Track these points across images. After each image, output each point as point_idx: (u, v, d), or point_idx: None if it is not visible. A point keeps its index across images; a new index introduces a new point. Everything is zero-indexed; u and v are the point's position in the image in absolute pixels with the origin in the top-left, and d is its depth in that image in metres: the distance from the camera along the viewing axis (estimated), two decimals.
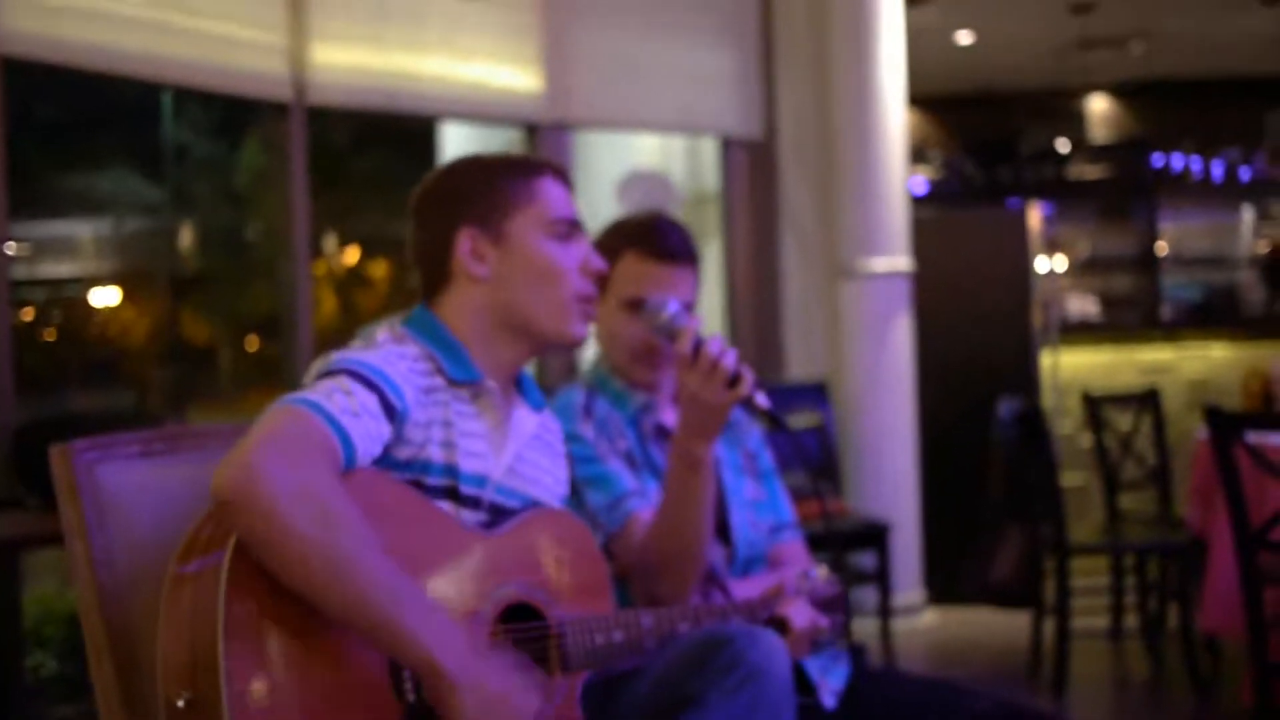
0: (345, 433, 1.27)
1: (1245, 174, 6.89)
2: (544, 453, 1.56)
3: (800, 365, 4.73)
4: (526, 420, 1.53)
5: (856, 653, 1.88)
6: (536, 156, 1.64)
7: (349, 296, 6.44)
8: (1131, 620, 4.25)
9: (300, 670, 1.22)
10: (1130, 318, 6.79)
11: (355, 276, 6.56)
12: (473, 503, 1.44)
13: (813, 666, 1.80)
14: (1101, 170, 6.92)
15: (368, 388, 1.33)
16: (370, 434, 1.31)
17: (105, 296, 5.43)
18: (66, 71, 3.20)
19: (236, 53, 3.51)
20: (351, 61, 3.79)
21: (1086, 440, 4.89)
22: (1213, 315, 6.77)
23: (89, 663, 1.39)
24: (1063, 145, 7.00)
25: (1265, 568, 2.63)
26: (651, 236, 1.85)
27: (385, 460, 1.37)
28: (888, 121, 4.58)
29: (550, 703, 1.40)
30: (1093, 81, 6.95)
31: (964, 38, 6.31)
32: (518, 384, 1.55)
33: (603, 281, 1.56)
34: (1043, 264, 5.41)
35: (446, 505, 1.41)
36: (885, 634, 3.99)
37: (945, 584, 4.71)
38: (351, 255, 6.49)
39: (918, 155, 6.66)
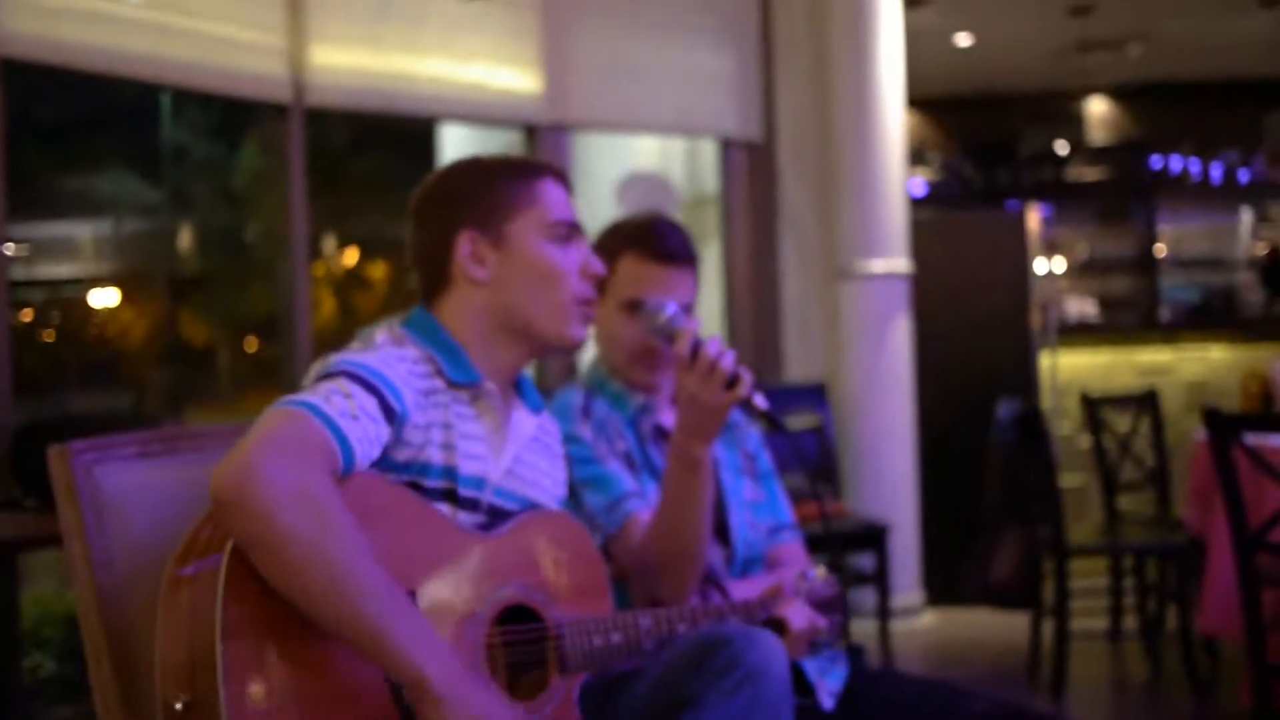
0: (343, 435, 1.27)
1: (1244, 176, 6.89)
2: (542, 455, 1.56)
3: (799, 366, 4.74)
4: (525, 422, 1.53)
5: (855, 654, 1.88)
6: (536, 159, 1.64)
7: (348, 298, 6.44)
8: (1130, 621, 4.26)
9: (298, 673, 1.22)
10: (1129, 319, 6.79)
11: (354, 278, 6.56)
12: (471, 505, 1.44)
13: (811, 667, 1.80)
14: (1100, 172, 6.92)
15: (367, 390, 1.33)
16: (369, 437, 1.31)
17: (104, 297, 5.43)
18: (66, 73, 3.20)
19: (235, 54, 3.52)
20: (350, 63, 3.79)
21: (1085, 441, 4.89)
22: (1211, 317, 6.77)
23: (87, 664, 1.39)
24: (1061, 147, 7.00)
25: (1264, 569, 2.63)
26: (650, 238, 1.86)
27: (383, 462, 1.36)
28: (887, 123, 4.58)
29: (541, 706, 1.40)
30: (1091, 83, 6.95)
31: (963, 39, 6.32)
32: (517, 386, 1.55)
33: (602, 283, 1.56)
34: (1041, 265, 5.41)
35: (444, 507, 1.41)
36: (884, 635, 3.99)
37: (944, 585, 4.72)
38: (350, 256, 6.49)
39: (916, 157, 6.66)
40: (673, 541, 1.69)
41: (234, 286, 5.54)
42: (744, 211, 4.78)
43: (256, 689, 1.19)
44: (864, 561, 4.25)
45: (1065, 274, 6.83)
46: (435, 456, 1.41)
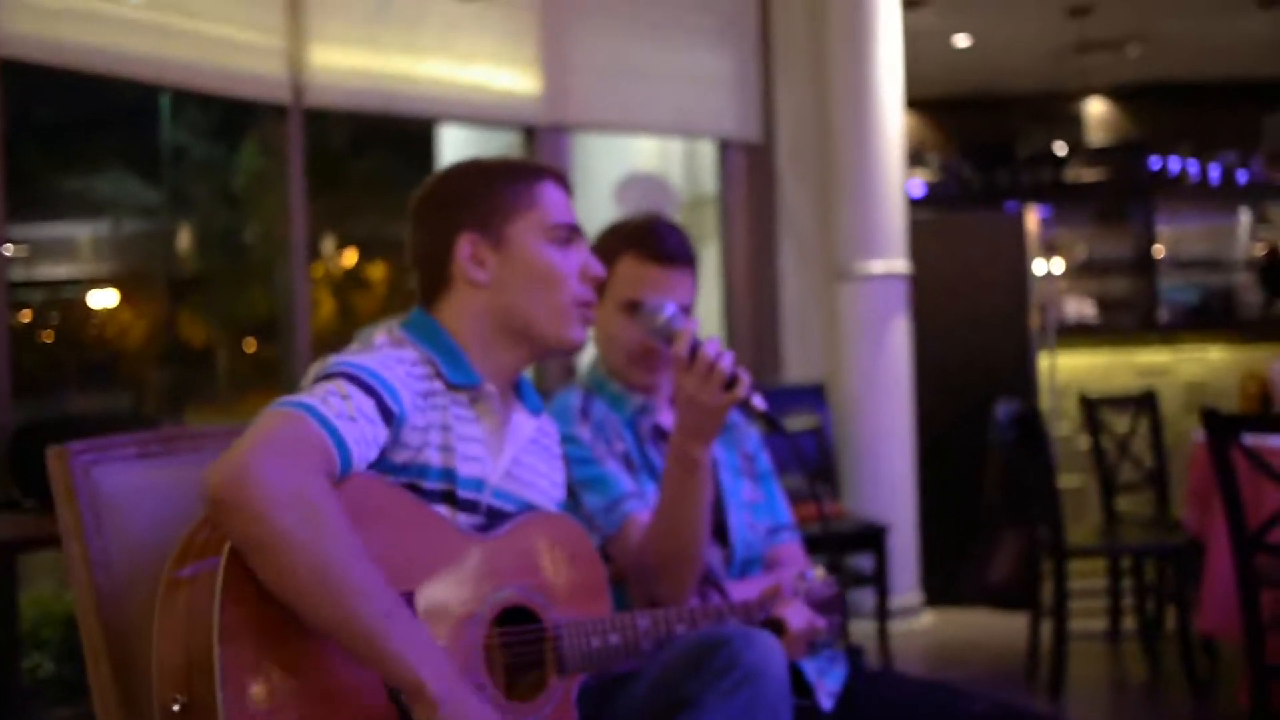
0: (340, 437, 1.27)
1: (1242, 177, 6.89)
2: (541, 457, 1.56)
3: (798, 367, 4.74)
4: (524, 424, 1.53)
5: (854, 654, 1.88)
6: (537, 161, 1.64)
7: (347, 298, 6.44)
8: (1129, 622, 4.26)
9: (295, 675, 1.22)
10: (1127, 320, 6.79)
11: (353, 278, 6.56)
12: (469, 506, 1.44)
13: (810, 668, 1.80)
14: (1099, 173, 6.93)
15: (364, 391, 1.33)
16: (366, 438, 1.31)
17: (103, 298, 5.43)
18: (65, 73, 3.20)
19: (235, 55, 3.52)
20: (350, 64, 3.79)
21: (1084, 442, 4.90)
22: (1210, 318, 6.78)
23: (86, 664, 1.39)
24: (1060, 148, 7.00)
25: (1262, 570, 2.63)
26: (649, 239, 1.86)
27: (382, 464, 1.36)
28: (885, 124, 4.58)
29: (540, 708, 1.40)
30: (1090, 84, 6.96)
31: (961, 40, 6.32)
32: (516, 388, 1.55)
33: (600, 284, 1.56)
34: (1040, 266, 5.41)
35: (443, 509, 1.41)
36: (882, 636, 3.99)
37: (943, 586, 4.72)
38: (349, 257, 6.49)
39: (915, 158, 6.66)
40: (671, 542, 1.69)
41: (233, 287, 5.54)
42: (743, 212, 4.78)
43: (253, 691, 1.19)
44: (863, 562, 4.25)
45: (1064, 275, 6.83)
46: (434, 458, 1.41)
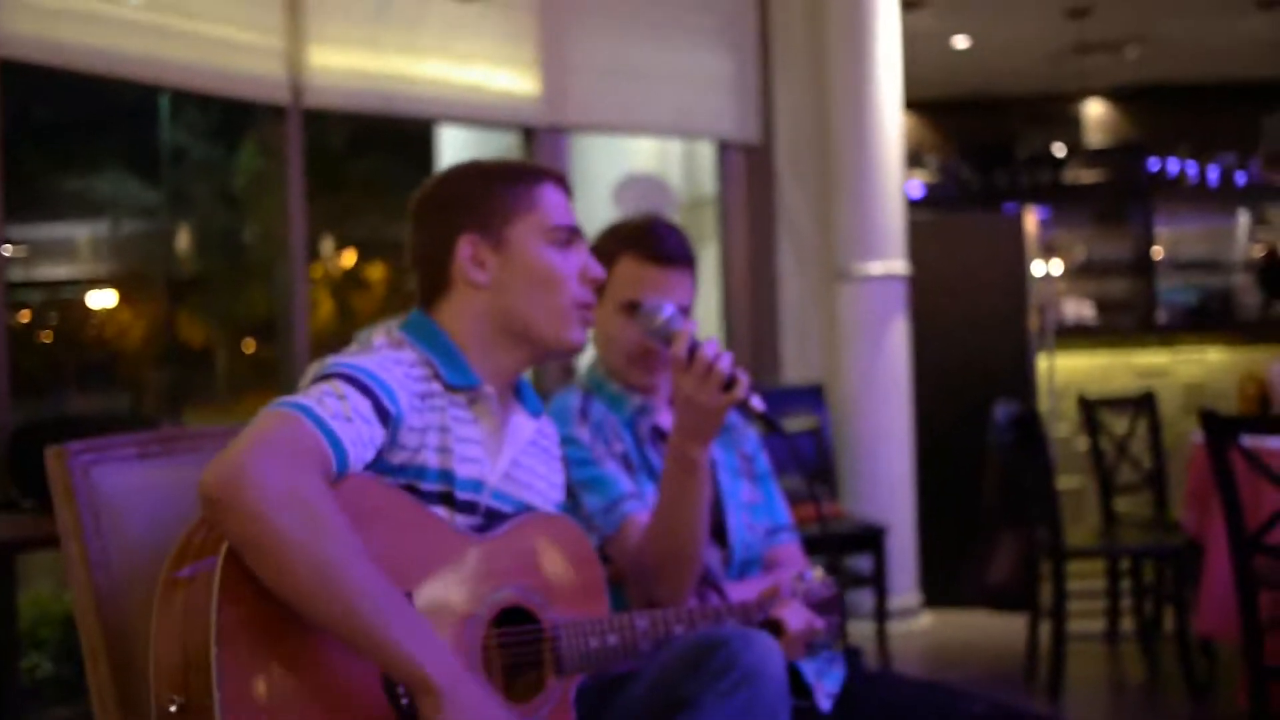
0: (336, 437, 1.27)
1: (1241, 178, 6.89)
2: (540, 459, 1.56)
3: (796, 368, 4.74)
4: (524, 426, 1.53)
5: (852, 655, 1.88)
6: (537, 163, 1.65)
7: (346, 299, 6.44)
8: (1127, 623, 4.26)
9: (293, 676, 1.22)
10: (1126, 321, 6.79)
11: (352, 279, 6.56)
12: (468, 507, 1.44)
13: (808, 669, 1.80)
14: (1097, 174, 6.93)
15: (361, 391, 1.33)
16: (362, 439, 1.31)
17: (102, 298, 5.43)
18: (64, 74, 3.20)
19: (234, 56, 3.52)
20: (349, 64, 3.79)
21: (1082, 443, 4.90)
22: (1208, 319, 6.78)
23: (85, 664, 1.39)
24: (1059, 149, 7.01)
25: (1260, 571, 2.64)
26: (648, 240, 1.86)
27: (379, 465, 1.36)
28: (884, 125, 4.58)
29: (537, 708, 1.40)
30: (1089, 86, 6.96)
31: (960, 42, 6.32)
32: (516, 390, 1.55)
33: (599, 284, 1.57)
34: (1039, 268, 5.41)
35: (441, 510, 1.41)
36: (881, 637, 3.99)
37: (941, 587, 4.72)
38: (348, 258, 6.49)
39: (914, 159, 6.67)
40: (670, 543, 1.69)
41: (232, 288, 5.54)
42: (741, 213, 4.78)
43: (250, 692, 1.19)
44: (861, 563, 4.26)
45: (1063, 276, 6.84)
46: (431, 460, 1.41)
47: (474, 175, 1.53)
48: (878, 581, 4.01)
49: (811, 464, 4.30)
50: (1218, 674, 3.77)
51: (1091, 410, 4.36)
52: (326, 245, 6.20)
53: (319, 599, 1.19)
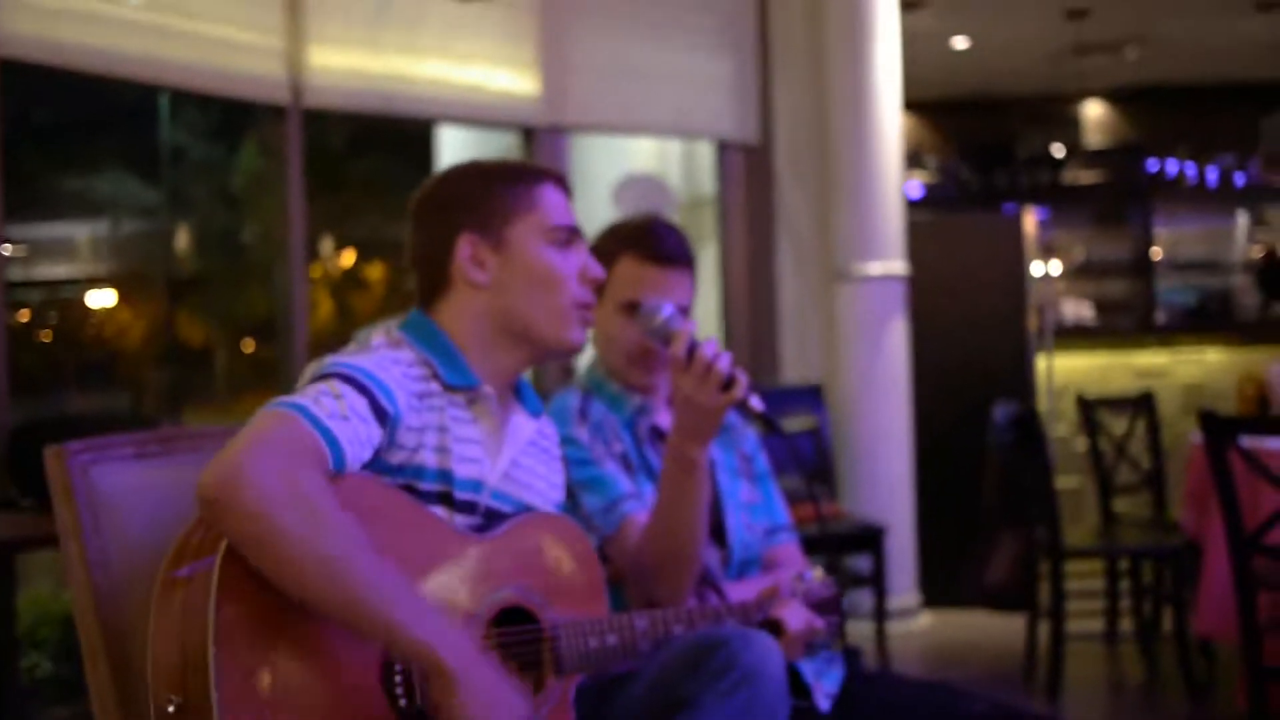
0: (332, 436, 1.27)
1: (1240, 179, 6.90)
2: (540, 459, 1.56)
3: (795, 368, 4.74)
4: (524, 426, 1.53)
5: (851, 655, 1.89)
6: (536, 163, 1.65)
7: (345, 299, 6.44)
8: (1126, 624, 4.26)
9: (291, 676, 1.22)
10: (1125, 322, 6.80)
11: (351, 279, 6.56)
12: (467, 507, 1.44)
13: (807, 669, 1.80)
14: (1096, 175, 6.93)
15: (358, 391, 1.33)
16: (360, 438, 1.31)
17: (101, 298, 5.43)
18: (64, 74, 3.20)
19: (234, 55, 3.52)
20: (349, 64, 3.79)
21: (1081, 444, 4.90)
22: (1207, 320, 6.78)
23: (84, 664, 1.39)
24: (1058, 150, 7.01)
25: (1259, 572, 2.64)
26: (648, 240, 1.86)
27: (377, 465, 1.36)
28: (883, 126, 4.59)
29: (537, 708, 1.40)
30: (1088, 87, 6.96)
31: (960, 42, 6.33)
32: (516, 390, 1.55)
33: (599, 285, 1.57)
34: (1038, 268, 5.42)
35: (440, 510, 1.41)
36: (880, 637, 3.99)
37: (941, 587, 4.72)
38: (348, 258, 6.49)
39: (913, 159, 6.67)
40: (669, 543, 1.69)
41: (231, 287, 5.55)
42: (741, 213, 4.78)
43: (249, 692, 1.19)
44: (861, 563, 4.26)
45: (1062, 276, 6.84)
46: (429, 460, 1.41)
47: (474, 175, 1.53)
48: (877, 582, 4.01)
49: (810, 464, 4.30)
50: (1216, 674, 3.77)
51: (1090, 410, 4.36)
52: (326, 245, 6.20)
53: (326, 593, 1.20)
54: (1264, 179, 6.92)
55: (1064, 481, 5.32)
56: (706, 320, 4.73)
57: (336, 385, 1.32)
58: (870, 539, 4.04)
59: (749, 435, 2.01)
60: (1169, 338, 6.64)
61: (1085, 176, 6.93)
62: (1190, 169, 6.86)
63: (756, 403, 1.63)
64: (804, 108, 4.72)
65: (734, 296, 4.79)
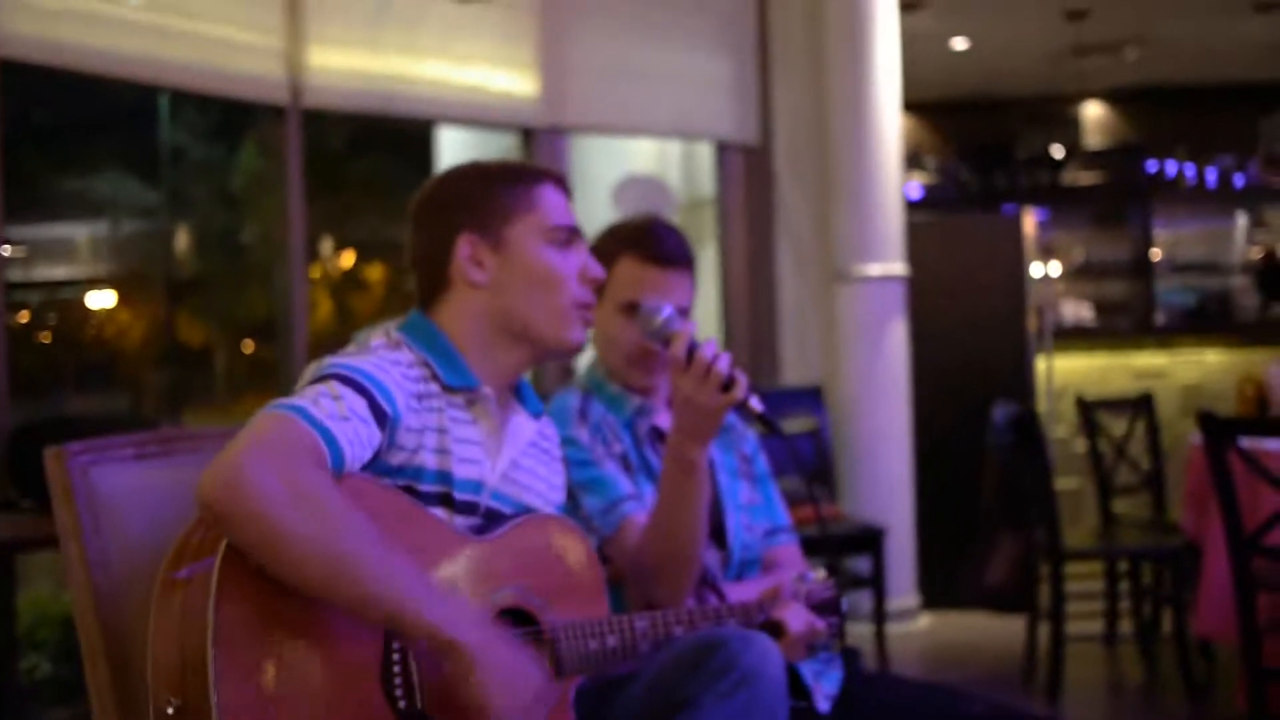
0: (331, 436, 1.27)
1: (1239, 180, 6.89)
2: (541, 460, 1.56)
3: (795, 370, 4.74)
4: (524, 427, 1.53)
5: (850, 657, 1.89)
6: (536, 164, 1.65)
7: (345, 300, 6.44)
8: (1126, 625, 4.26)
9: (290, 677, 1.22)
10: (1124, 323, 6.79)
11: (351, 280, 6.56)
12: (467, 508, 1.44)
13: (807, 670, 1.80)
14: (1096, 176, 6.93)
15: (357, 392, 1.33)
16: (359, 438, 1.31)
17: (101, 299, 5.43)
18: (64, 74, 3.21)
19: (233, 56, 3.52)
20: (348, 65, 3.79)
21: (1081, 445, 4.90)
22: (1207, 321, 6.78)
23: (84, 665, 1.39)
24: (1057, 151, 7.01)
25: (1259, 573, 2.64)
26: (648, 241, 1.86)
27: (377, 466, 1.37)
28: (883, 127, 4.59)
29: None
30: (1087, 88, 6.96)
31: (959, 43, 6.33)
32: (516, 391, 1.55)
33: (599, 286, 1.57)
34: (1037, 269, 5.42)
35: (440, 512, 1.41)
36: (880, 638, 3.99)
37: (940, 588, 4.72)
38: (347, 259, 6.49)
39: (913, 160, 6.67)
40: (669, 544, 1.69)
41: (231, 288, 5.54)
42: (740, 214, 4.78)
43: (248, 693, 1.19)
44: (860, 565, 4.26)
45: (1061, 277, 6.84)
46: (429, 461, 1.41)
47: (473, 176, 1.53)
48: (876, 583, 4.01)
49: (810, 465, 4.30)
50: (1216, 675, 3.77)
51: (1090, 412, 4.36)
52: (326, 246, 6.20)
53: (335, 586, 1.20)
54: (1263, 180, 6.92)
55: (1063, 483, 5.32)
56: (706, 321, 4.74)
57: (335, 387, 1.32)
58: (870, 540, 4.04)
59: (749, 436, 2.01)
60: (1168, 339, 6.64)
61: (1085, 177, 6.93)
62: (1190, 170, 6.86)
63: (756, 403, 1.63)
64: (803, 109, 4.72)
65: (734, 297, 4.79)
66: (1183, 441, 4.56)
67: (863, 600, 4.29)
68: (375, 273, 6.54)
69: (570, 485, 1.74)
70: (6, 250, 3.10)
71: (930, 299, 4.85)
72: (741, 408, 1.63)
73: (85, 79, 3.28)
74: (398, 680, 1.28)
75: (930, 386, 4.82)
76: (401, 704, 1.27)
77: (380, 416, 1.34)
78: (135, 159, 5.18)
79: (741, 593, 1.78)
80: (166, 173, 5.25)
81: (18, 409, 3.12)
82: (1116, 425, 4.37)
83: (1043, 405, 5.55)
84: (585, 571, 1.50)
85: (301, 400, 1.29)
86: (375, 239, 6.39)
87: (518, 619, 1.42)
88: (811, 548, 2.17)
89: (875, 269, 4.58)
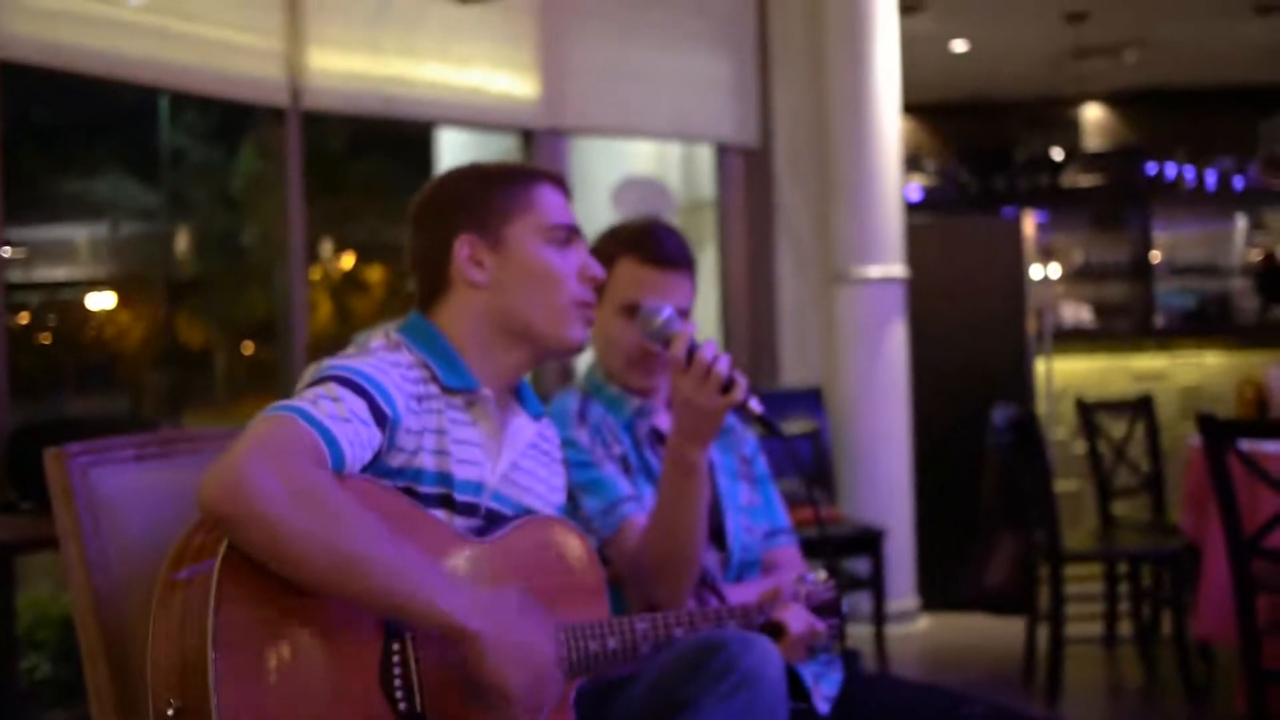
0: (332, 436, 1.27)
1: (1239, 183, 6.90)
2: (541, 461, 1.56)
3: (795, 371, 4.74)
4: (524, 429, 1.53)
5: (850, 658, 1.89)
6: (534, 164, 1.65)
7: (345, 302, 6.44)
8: (1125, 627, 4.26)
9: (290, 679, 1.22)
10: (1124, 325, 6.80)
11: (351, 282, 6.56)
12: (468, 510, 1.44)
13: (807, 672, 1.80)
14: (1095, 178, 6.93)
15: (357, 393, 1.33)
16: (360, 439, 1.31)
17: (101, 300, 5.43)
18: (64, 76, 3.21)
19: (233, 58, 3.52)
20: (348, 67, 3.80)
21: (1080, 447, 4.90)
22: (1206, 323, 6.78)
23: (83, 666, 1.39)
24: (1057, 153, 7.01)
25: (1258, 575, 2.64)
26: (647, 242, 1.86)
27: (377, 468, 1.37)
28: (883, 129, 4.59)
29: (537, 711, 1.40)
30: (1087, 90, 6.96)
31: (959, 46, 6.33)
32: (516, 392, 1.55)
33: (599, 287, 1.57)
34: (1037, 271, 5.42)
35: (440, 513, 1.41)
36: (879, 640, 3.99)
37: (939, 590, 4.72)
38: (347, 260, 6.49)
39: (912, 163, 6.67)
40: (668, 545, 1.69)
41: (231, 290, 5.55)
42: (740, 216, 4.78)
43: (248, 695, 1.19)
44: (859, 566, 4.26)
45: (1060, 280, 6.84)
46: (428, 462, 1.41)
47: (472, 177, 1.53)
48: (876, 584, 4.01)
49: (810, 467, 4.30)
50: (1215, 677, 3.77)
51: (1089, 414, 4.36)
52: (326, 247, 6.20)
53: (345, 585, 1.21)
54: (1263, 182, 6.92)
55: (1063, 484, 5.32)
56: (706, 323, 4.74)
57: (335, 388, 1.32)
58: (869, 542, 4.04)
59: (748, 438, 2.01)
60: (1168, 341, 6.64)
61: (1084, 180, 6.93)
62: (1189, 172, 6.86)
63: (756, 405, 1.63)
64: (803, 110, 4.72)
65: (733, 299, 4.79)
66: (1182, 443, 4.56)
67: (862, 602, 4.29)
68: (375, 274, 6.54)
69: (570, 487, 1.74)
70: (6, 251, 3.10)
71: (930, 301, 4.86)
72: (741, 409, 1.64)
73: (85, 80, 3.28)
74: (398, 681, 1.28)
75: (930, 388, 4.82)
76: (402, 705, 1.27)
77: (380, 418, 1.34)
78: (135, 160, 5.18)
79: (741, 594, 1.78)
80: (166, 174, 5.25)
81: (18, 410, 3.12)
82: (1116, 427, 4.37)
83: (1042, 407, 5.55)
84: (586, 573, 1.50)
85: (301, 402, 1.30)
86: (375, 241, 6.39)
87: None
88: (811, 549, 2.17)
89: (875, 271, 4.58)
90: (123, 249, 5.50)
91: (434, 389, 1.44)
